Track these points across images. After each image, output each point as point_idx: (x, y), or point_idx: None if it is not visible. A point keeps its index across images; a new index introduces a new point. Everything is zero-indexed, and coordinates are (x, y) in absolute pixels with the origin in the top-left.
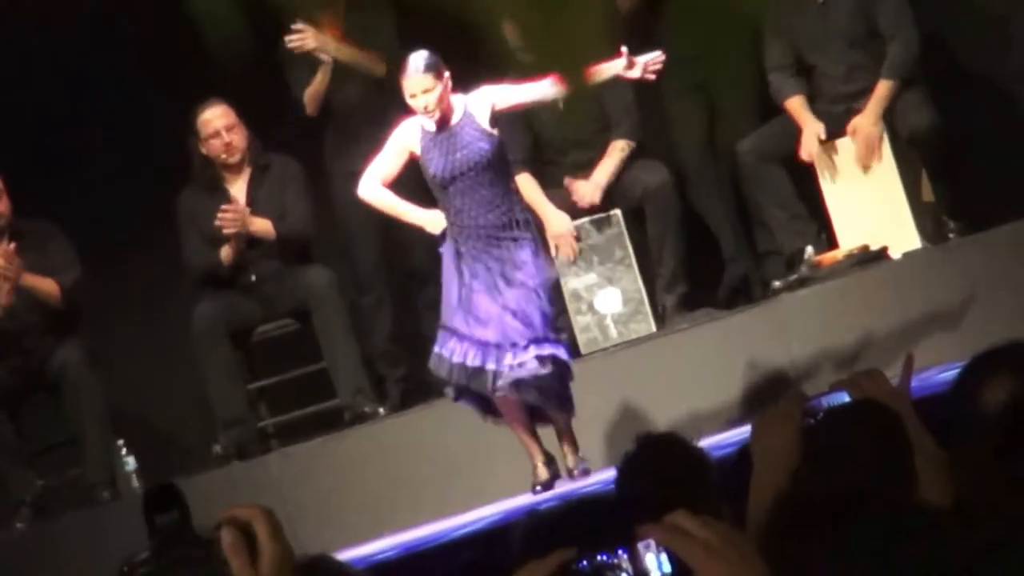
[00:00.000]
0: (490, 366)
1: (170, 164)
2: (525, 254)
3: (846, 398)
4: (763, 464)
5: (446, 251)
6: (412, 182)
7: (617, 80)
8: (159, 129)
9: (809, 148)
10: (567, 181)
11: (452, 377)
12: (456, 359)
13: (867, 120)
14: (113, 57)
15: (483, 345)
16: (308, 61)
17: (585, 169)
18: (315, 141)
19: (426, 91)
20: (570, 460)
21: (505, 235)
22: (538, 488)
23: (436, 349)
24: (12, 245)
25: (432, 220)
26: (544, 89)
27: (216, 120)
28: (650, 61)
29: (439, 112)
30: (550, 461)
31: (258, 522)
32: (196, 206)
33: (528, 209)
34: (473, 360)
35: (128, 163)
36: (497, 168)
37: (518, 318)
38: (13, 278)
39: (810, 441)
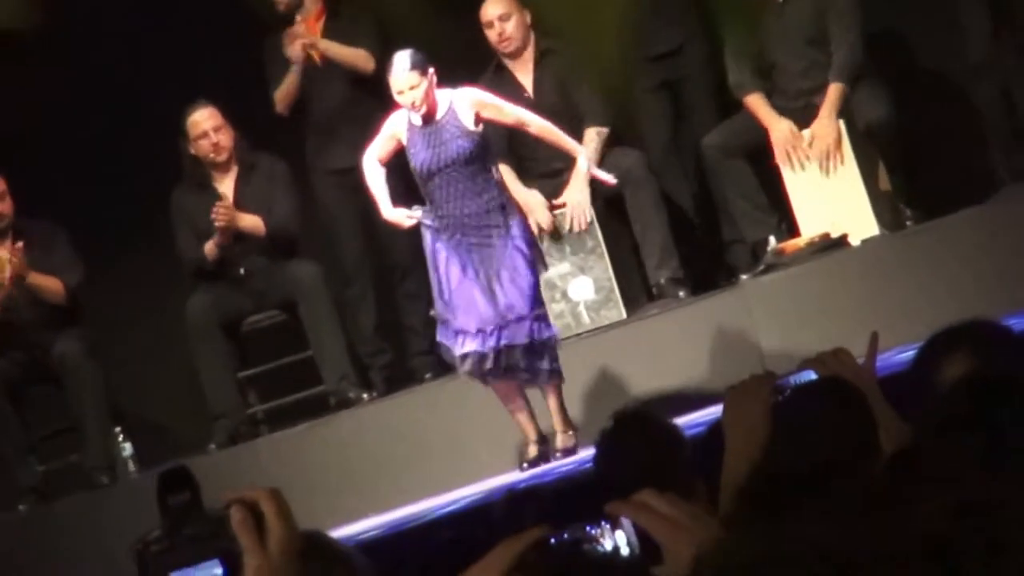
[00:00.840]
0: (486, 348)
1: (164, 163)
2: (507, 238)
3: (813, 376)
4: (734, 440)
5: (429, 246)
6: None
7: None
8: (153, 129)
9: (785, 149)
10: (550, 189)
11: (462, 367)
12: (458, 350)
13: (823, 125)
14: (107, 56)
15: (477, 332)
16: (284, 61)
17: (560, 174)
18: (299, 140)
19: (412, 87)
20: (559, 439)
21: (487, 222)
22: (525, 465)
23: (439, 338)
24: (20, 244)
25: (396, 218)
26: (526, 119)
27: (204, 121)
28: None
29: (425, 107)
30: (542, 440)
31: (266, 502)
32: (186, 204)
33: (510, 197)
34: (471, 346)
35: (123, 161)
36: (479, 161)
37: (505, 300)
38: (20, 272)
39: (779, 417)
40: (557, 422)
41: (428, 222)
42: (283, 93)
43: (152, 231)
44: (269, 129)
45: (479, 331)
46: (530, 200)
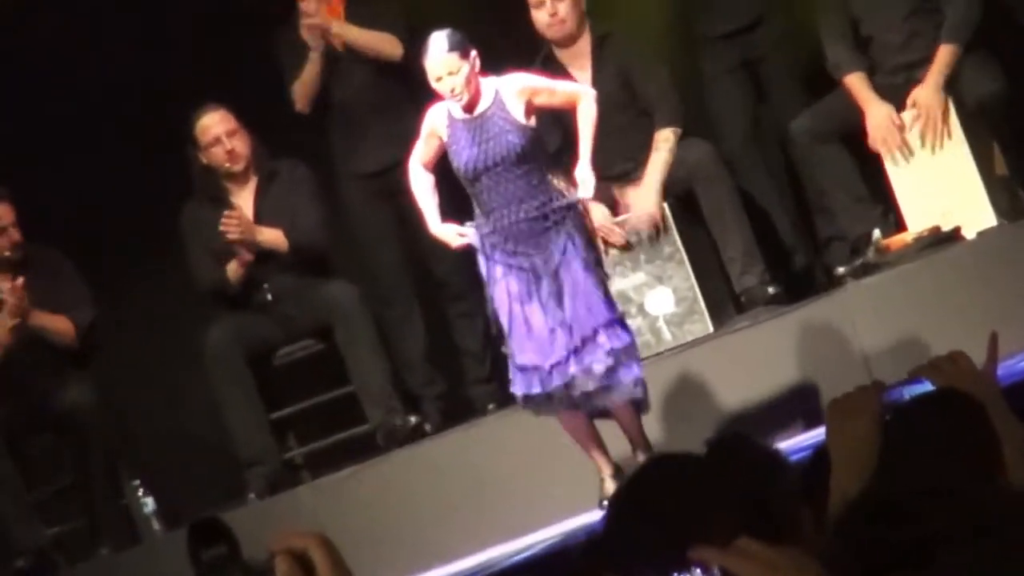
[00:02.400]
0: (551, 387)
1: (173, 177)
2: (566, 243)
3: (926, 386)
4: (841, 462)
5: (485, 270)
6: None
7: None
8: (159, 139)
9: (882, 135)
10: (616, 190)
11: (525, 406)
12: (519, 390)
13: (928, 91)
14: (104, 61)
15: (536, 368)
16: (301, 51)
17: (628, 177)
18: (328, 143)
19: (451, 73)
20: (641, 460)
21: (544, 228)
22: (605, 503)
23: (512, 389)
24: (20, 280)
25: (447, 236)
26: (579, 92)
27: (215, 126)
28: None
29: (467, 96)
30: (618, 473)
31: (316, 550)
32: (200, 221)
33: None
34: (545, 386)
35: (127, 177)
36: (532, 160)
37: (571, 315)
38: (21, 315)
39: (889, 434)
40: (636, 444)
41: (479, 238)
42: (302, 87)
43: (163, 254)
44: (292, 132)
45: (539, 367)
46: (595, 212)
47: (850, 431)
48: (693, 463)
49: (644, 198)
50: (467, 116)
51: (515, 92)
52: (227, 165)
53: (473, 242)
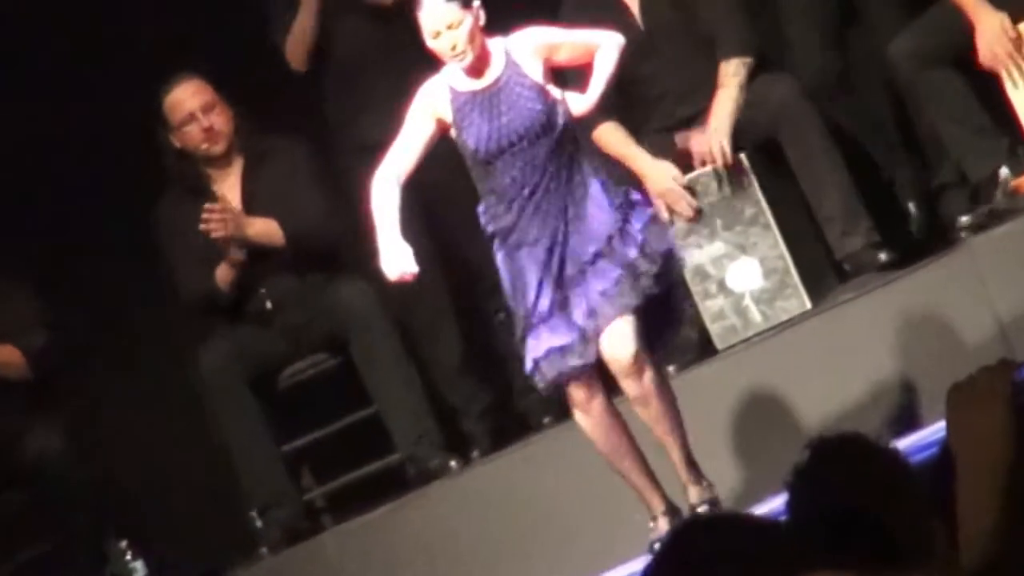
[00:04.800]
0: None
1: (147, 171)
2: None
3: None
4: (967, 460)
5: (503, 264)
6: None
7: None
8: (122, 124)
9: (994, 48)
10: (677, 137)
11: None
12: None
13: None
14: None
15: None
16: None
17: (693, 120)
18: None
19: (451, 26)
20: (692, 494)
21: (582, 222)
22: (656, 546)
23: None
24: None
25: (391, 262)
26: (598, 40)
27: (188, 100)
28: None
29: (471, 55)
30: (673, 511)
31: None
32: (179, 217)
33: (608, 175)
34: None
35: (91, 174)
36: (558, 131)
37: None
38: None
39: None
40: (683, 473)
41: (494, 232)
42: (296, 39)
43: (144, 261)
44: (285, 102)
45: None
46: (655, 174)
47: (976, 422)
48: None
49: (709, 140)
50: (476, 86)
51: (530, 51)
52: (205, 147)
53: (487, 234)
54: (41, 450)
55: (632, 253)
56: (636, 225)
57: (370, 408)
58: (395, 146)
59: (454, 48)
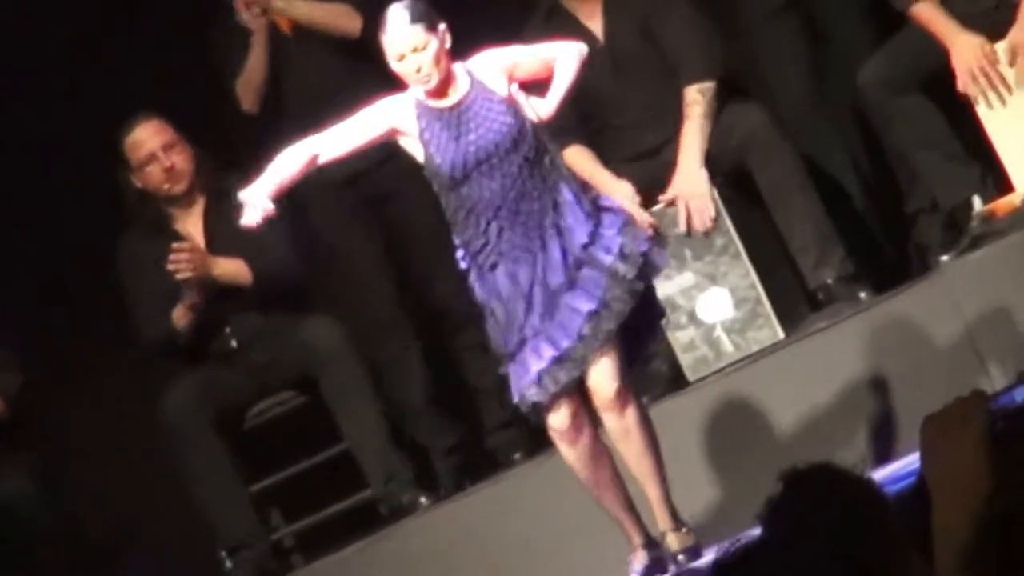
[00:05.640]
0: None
1: (111, 212)
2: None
3: None
4: (942, 492)
5: (480, 294)
6: None
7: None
8: (81, 164)
9: (972, 70)
10: (661, 199)
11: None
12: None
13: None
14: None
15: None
16: (239, 41)
17: (658, 154)
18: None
19: (416, 49)
20: (671, 541)
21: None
22: None
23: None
24: None
25: (253, 203)
26: (554, 53)
27: (149, 140)
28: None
29: (436, 77)
30: (651, 544)
31: None
32: (140, 257)
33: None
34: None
35: (51, 215)
36: (529, 143)
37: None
38: None
39: (1001, 450)
40: (661, 515)
41: (470, 261)
42: (246, 82)
43: (99, 304)
44: (243, 140)
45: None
46: (622, 197)
47: (951, 453)
48: None
49: (687, 182)
50: (442, 104)
51: (493, 69)
52: (167, 187)
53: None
54: (8, 495)
55: (609, 259)
56: (611, 231)
57: (338, 446)
58: (333, 128)
59: (419, 71)
